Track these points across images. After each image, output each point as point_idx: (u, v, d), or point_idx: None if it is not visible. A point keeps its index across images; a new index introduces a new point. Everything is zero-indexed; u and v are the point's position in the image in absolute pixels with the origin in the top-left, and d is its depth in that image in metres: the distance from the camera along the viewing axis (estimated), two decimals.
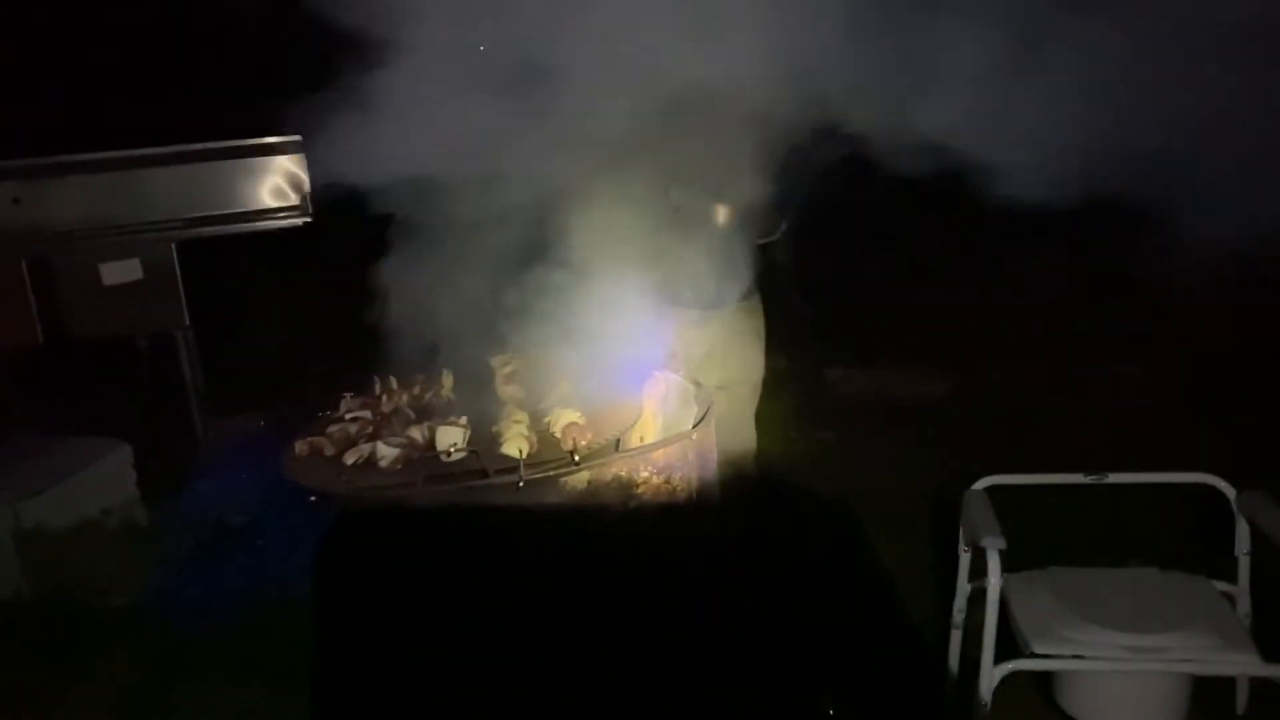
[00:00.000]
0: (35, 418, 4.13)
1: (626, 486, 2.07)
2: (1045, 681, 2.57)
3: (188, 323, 4.32)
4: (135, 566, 3.61)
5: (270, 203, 4.39)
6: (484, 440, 2.12)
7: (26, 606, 3.48)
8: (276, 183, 4.41)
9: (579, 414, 2.15)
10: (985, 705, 2.32)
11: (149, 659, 3.19)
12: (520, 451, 2.02)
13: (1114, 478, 2.63)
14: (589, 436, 2.07)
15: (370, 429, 2.24)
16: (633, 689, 2.13)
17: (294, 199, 4.41)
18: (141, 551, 3.70)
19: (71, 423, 4.09)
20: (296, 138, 4.43)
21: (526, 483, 1.97)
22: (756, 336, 3.11)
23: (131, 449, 3.99)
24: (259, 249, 4.60)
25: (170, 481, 4.04)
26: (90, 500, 3.81)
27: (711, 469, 2.29)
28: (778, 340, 3.32)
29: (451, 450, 2.07)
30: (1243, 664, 2.27)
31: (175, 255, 4.27)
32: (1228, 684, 2.61)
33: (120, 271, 4.18)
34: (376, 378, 2.51)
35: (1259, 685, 2.58)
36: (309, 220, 4.43)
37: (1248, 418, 4.12)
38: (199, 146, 4.34)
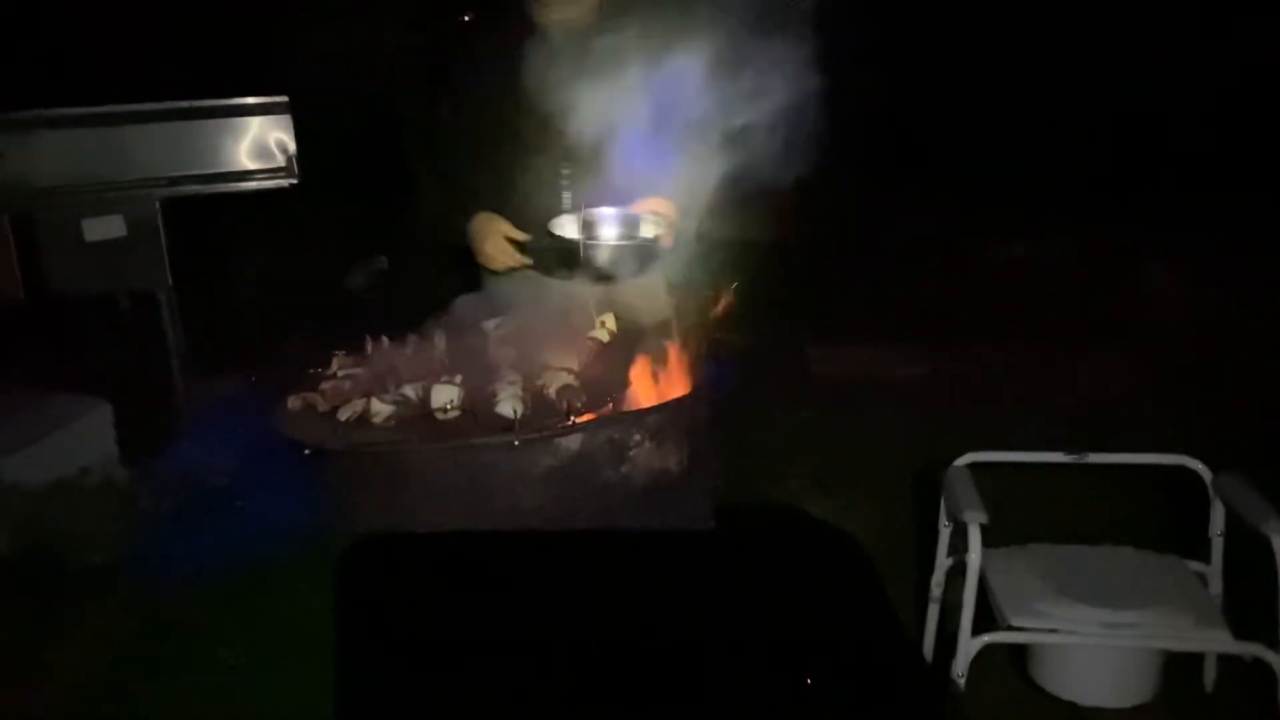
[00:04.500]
0: (15, 374, 4.10)
1: (619, 448, 2.09)
2: (1020, 656, 2.62)
3: (171, 281, 4.28)
4: (115, 525, 3.60)
5: (256, 164, 4.36)
6: (478, 400, 2.14)
7: (4, 563, 3.47)
8: (262, 144, 4.37)
9: (573, 377, 2.17)
10: (961, 677, 2.36)
11: (128, 617, 3.19)
12: (515, 411, 2.03)
13: (1093, 457, 2.68)
14: (583, 399, 2.08)
15: (363, 386, 2.24)
16: (610, 648, 2.15)
17: (280, 160, 4.38)
18: (121, 510, 3.68)
19: (51, 379, 4.07)
20: (283, 99, 4.40)
21: (520, 442, 1.99)
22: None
23: (112, 407, 3.98)
24: (244, 209, 4.58)
25: (151, 440, 4.03)
26: (70, 458, 3.79)
27: (702, 436, 2.32)
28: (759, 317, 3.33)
29: (447, 408, 2.08)
30: (1214, 641, 2.33)
31: (159, 213, 4.23)
32: (1197, 663, 2.67)
33: (103, 228, 4.14)
34: (369, 336, 2.51)
35: (1227, 665, 2.65)
36: (294, 182, 4.40)
37: (1225, 402, 4.20)
38: (185, 104, 4.29)
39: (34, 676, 2.95)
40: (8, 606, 3.24)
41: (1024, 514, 3.02)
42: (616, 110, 2.48)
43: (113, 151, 4.22)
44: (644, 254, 2.63)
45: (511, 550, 2.12)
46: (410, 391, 2.16)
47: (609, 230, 2.73)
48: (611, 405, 2.20)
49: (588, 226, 2.70)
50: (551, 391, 2.12)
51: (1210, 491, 2.54)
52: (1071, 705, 2.47)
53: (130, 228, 4.20)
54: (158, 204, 4.25)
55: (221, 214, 4.65)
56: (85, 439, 3.87)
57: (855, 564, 3.22)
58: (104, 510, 3.65)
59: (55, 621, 3.16)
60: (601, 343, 2.41)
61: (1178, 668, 2.53)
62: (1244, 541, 2.39)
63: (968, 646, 2.35)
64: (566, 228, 2.69)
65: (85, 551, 3.49)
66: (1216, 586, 2.55)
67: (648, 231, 2.66)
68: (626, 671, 2.14)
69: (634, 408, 2.26)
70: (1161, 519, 3.21)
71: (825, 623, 2.87)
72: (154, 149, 4.27)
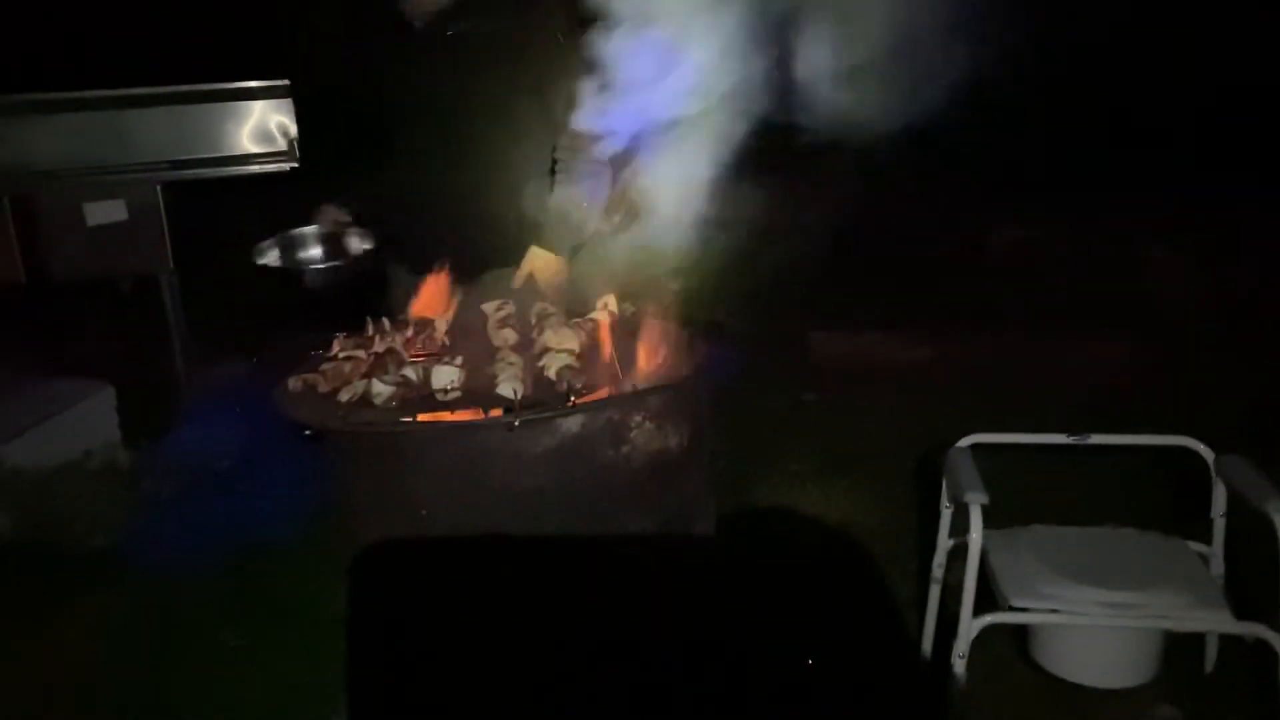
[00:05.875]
0: (17, 358, 4.10)
1: (619, 429, 2.09)
2: (1021, 638, 2.62)
3: (172, 265, 4.28)
4: (117, 508, 3.61)
5: (257, 147, 4.35)
6: (479, 382, 2.13)
7: (6, 547, 3.48)
8: (264, 127, 4.36)
9: (574, 358, 2.16)
10: (962, 657, 2.36)
11: (130, 599, 3.20)
12: (515, 393, 2.03)
13: (1096, 439, 2.67)
14: (584, 380, 2.08)
15: (364, 368, 2.24)
16: (606, 629, 2.16)
17: (281, 144, 4.37)
18: (123, 493, 3.69)
19: (54, 363, 4.07)
20: (284, 82, 4.39)
21: (521, 423, 1.98)
22: None
23: (114, 390, 3.98)
24: (245, 193, 4.56)
25: (153, 424, 4.03)
26: (72, 441, 3.79)
27: (703, 418, 2.31)
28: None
29: (447, 389, 2.07)
30: (1215, 621, 2.33)
31: (160, 197, 4.23)
32: (1198, 643, 2.67)
33: (105, 212, 4.14)
34: (369, 319, 2.51)
35: (1227, 645, 2.65)
36: (295, 166, 4.39)
37: (1228, 384, 4.19)
38: (186, 88, 4.28)
39: (37, 658, 2.96)
40: (10, 589, 3.25)
41: (1026, 496, 3.02)
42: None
43: (114, 135, 4.21)
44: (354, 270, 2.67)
45: (513, 551, 2.12)
46: (411, 373, 2.16)
47: (314, 251, 2.79)
48: (612, 386, 2.19)
49: (289, 250, 2.76)
50: (552, 372, 2.11)
51: (1212, 473, 2.54)
52: (1072, 685, 2.48)
53: (131, 211, 4.20)
54: (159, 188, 4.25)
55: (223, 198, 4.64)
56: (87, 422, 3.88)
57: (856, 561, 3.22)
58: (106, 493, 3.66)
59: (58, 604, 3.17)
60: (602, 324, 2.40)
61: (1179, 648, 2.53)
62: (1246, 523, 2.39)
63: (969, 627, 2.35)
64: (268, 255, 2.75)
65: (88, 534, 3.50)
66: (1218, 567, 2.55)
67: (356, 247, 2.70)
68: (626, 672, 2.15)
69: (634, 389, 2.26)
70: (1163, 500, 3.21)
71: (826, 622, 2.89)
72: (155, 132, 4.26)
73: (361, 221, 2.80)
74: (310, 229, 2.85)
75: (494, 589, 2.12)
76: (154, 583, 3.24)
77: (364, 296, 2.71)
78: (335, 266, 2.72)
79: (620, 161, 2.64)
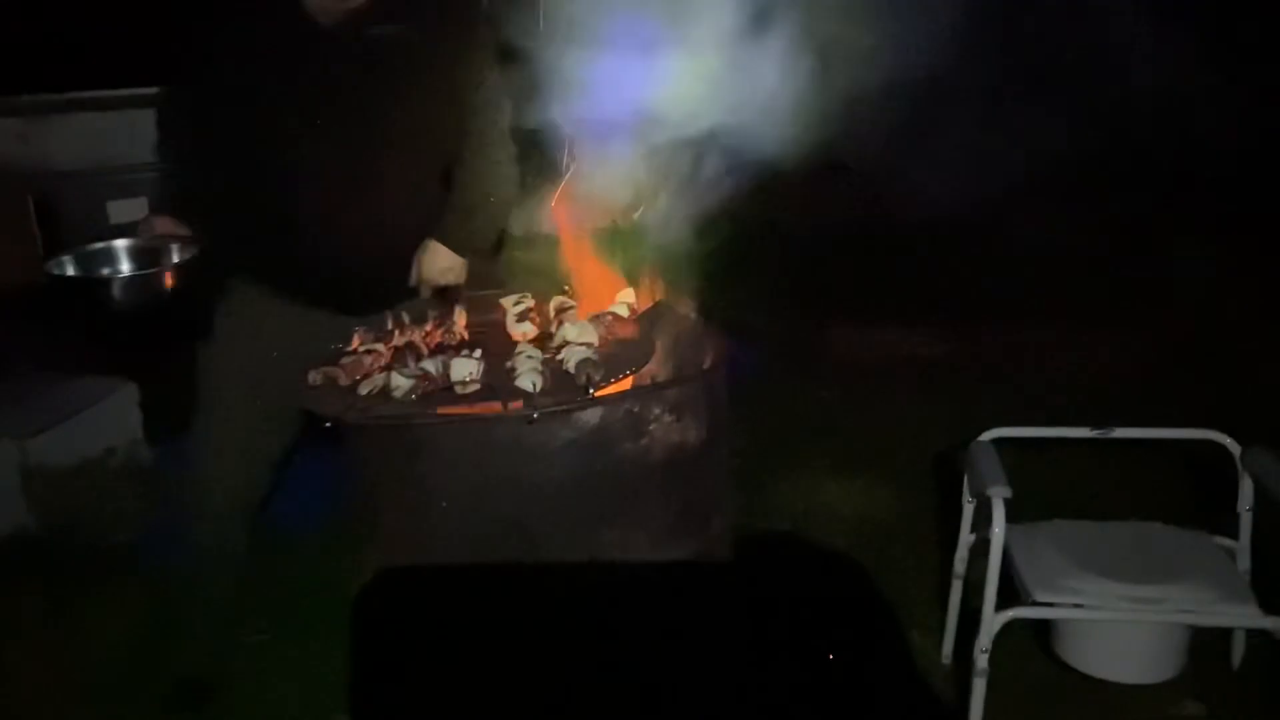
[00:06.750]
0: (41, 355, 4.12)
1: (638, 422, 2.08)
2: (1044, 633, 2.60)
3: None
4: (138, 505, 3.63)
5: None
6: (498, 375, 2.14)
7: (31, 542, 3.50)
8: None
9: (593, 351, 2.16)
10: (985, 652, 2.35)
11: (150, 596, 3.21)
12: (534, 385, 2.03)
13: (1120, 432, 2.65)
14: (602, 373, 2.08)
15: (384, 361, 2.24)
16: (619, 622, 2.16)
17: None
18: (145, 490, 3.71)
19: (77, 361, 4.09)
20: None
21: (540, 416, 1.98)
22: None
23: (137, 388, 4.00)
24: None
25: (175, 421, 4.04)
26: (95, 438, 3.82)
27: (722, 412, 2.31)
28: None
29: (467, 381, 2.08)
30: (1242, 616, 2.30)
31: None
32: (1224, 639, 2.65)
33: (127, 210, 4.17)
34: (388, 313, 2.50)
35: (1254, 643, 2.62)
36: None
37: (1254, 376, 4.14)
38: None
39: (57, 653, 2.97)
40: (34, 585, 3.27)
41: (1049, 490, 3.00)
42: None
43: (136, 134, 4.23)
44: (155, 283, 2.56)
45: (531, 543, 2.12)
46: (430, 366, 2.16)
47: (124, 264, 2.71)
48: (631, 379, 2.19)
49: (88, 262, 2.67)
50: (570, 365, 2.11)
51: (1238, 466, 2.50)
52: (1096, 681, 2.45)
53: (154, 209, 4.22)
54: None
55: None
56: (111, 419, 3.89)
57: (876, 557, 3.20)
58: (129, 490, 3.68)
59: (79, 600, 3.18)
60: (621, 317, 2.40)
61: (1204, 644, 2.50)
62: (1273, 517, 2.36)
63: (991, 622, 2.33)
64: (67, 267, 2.65)
65: (110, 530, 3.52)
66: (1245, 562, 2.51)
67: (169, 259, 2.61)
68: (641, 666, 2.15)
69: (653, 381, 2.26)
70: (1188, 494, 3.18)
71: (846, 617, 2.88)
72: None
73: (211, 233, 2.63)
74: (119, 242, 2.77)
75: (511, 582, 2.12)
76: (174, 578, 3.25)
77: (176, 308, 2.58)
78: (139, 277, 2.63)
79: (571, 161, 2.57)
